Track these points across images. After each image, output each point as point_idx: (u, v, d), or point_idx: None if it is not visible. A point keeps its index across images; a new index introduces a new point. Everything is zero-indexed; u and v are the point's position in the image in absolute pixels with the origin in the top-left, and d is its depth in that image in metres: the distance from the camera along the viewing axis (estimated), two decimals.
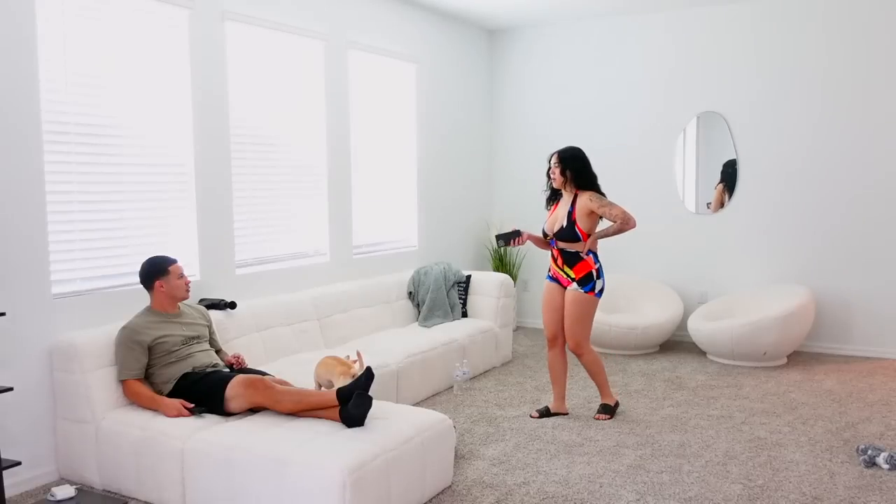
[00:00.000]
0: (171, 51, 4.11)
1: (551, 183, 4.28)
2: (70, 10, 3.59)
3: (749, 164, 6.13)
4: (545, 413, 4.42)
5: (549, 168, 4.26)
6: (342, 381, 3.41)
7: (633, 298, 6.32)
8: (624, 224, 4.07)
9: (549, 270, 4.38)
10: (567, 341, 4.31)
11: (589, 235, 4.16)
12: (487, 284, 5.75)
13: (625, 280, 6.43)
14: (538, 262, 7.03)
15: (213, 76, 4.32)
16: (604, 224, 4.26)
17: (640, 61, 6.50)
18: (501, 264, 6.93)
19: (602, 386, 4.42)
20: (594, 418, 4.34)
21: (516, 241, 4.29)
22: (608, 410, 4.39)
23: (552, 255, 4.31)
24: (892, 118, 5.60)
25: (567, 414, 4.44)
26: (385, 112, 5.85)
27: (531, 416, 4.40)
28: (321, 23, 5.10)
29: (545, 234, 4.30)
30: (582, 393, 4.88)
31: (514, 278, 6.98)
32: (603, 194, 4.20)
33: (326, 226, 5.26)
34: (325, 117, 5.18)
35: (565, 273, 4.24)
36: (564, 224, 4.17)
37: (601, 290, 4.24)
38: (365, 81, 5.59)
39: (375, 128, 5.75)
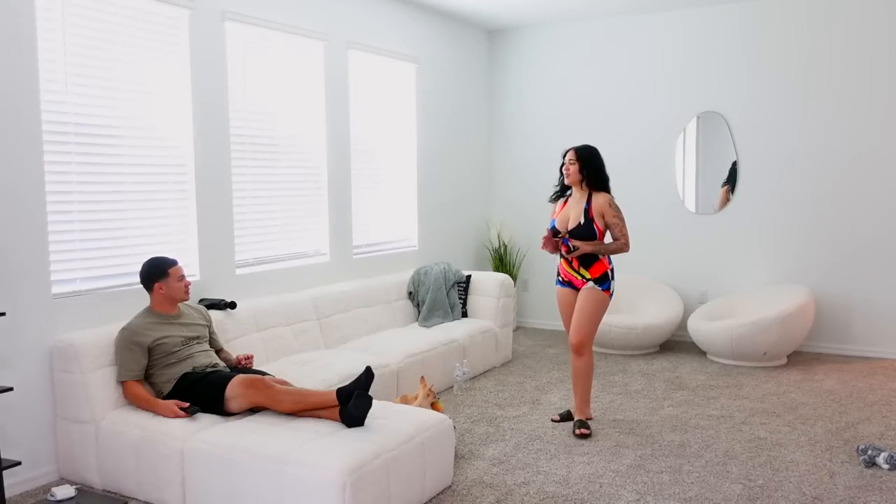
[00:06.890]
0: (171, 51, 4.11)
1: (563, 179, 4.16)
2: (70, 10, 3.59)
3: (749, 164, 6.13)
4: (567, 417, 4.30)
5: (563, 164, 4.13)
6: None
7: (633, 298, 6.31)
8: (623, 247, 4.04)
9: (559, 274, 4.23)
10: (571, 336, 4.12)
11: (604, 234, 4.08)
12: (487, 284, 5.75)
13: (625, 280, 6.42)
14: (538, 262, 7.03)
15: (213, 76, 4.32)
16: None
17: (640, 61, 6.50)
18: (501, 264, 6.93)
19: (585, 394, 4.18)
20: (575, 434, 4.06)
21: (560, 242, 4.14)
22: (586, 426, 4.10)
23: (563, 257, 4.17)
24: (893, 118, 5.61)
25: (591, 419, 4.30)
26: (385, 112, 5.85)
27: (552, 420, 4.30)
28: (321, 23, 5.10)
29: (556, 232, 4.10)
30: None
31: (514, 278, 6.98)
32: (613, 199, 4.12)
33: (326, 226, 5.26)
34: (325, 117, 5.18)
35: (580, 275, 4.10)
36: (582, 221, 4.03)
37: (613, 292, 4.14)
38: (365, 81, 5.59)
39: (375, 128, 5.75)
